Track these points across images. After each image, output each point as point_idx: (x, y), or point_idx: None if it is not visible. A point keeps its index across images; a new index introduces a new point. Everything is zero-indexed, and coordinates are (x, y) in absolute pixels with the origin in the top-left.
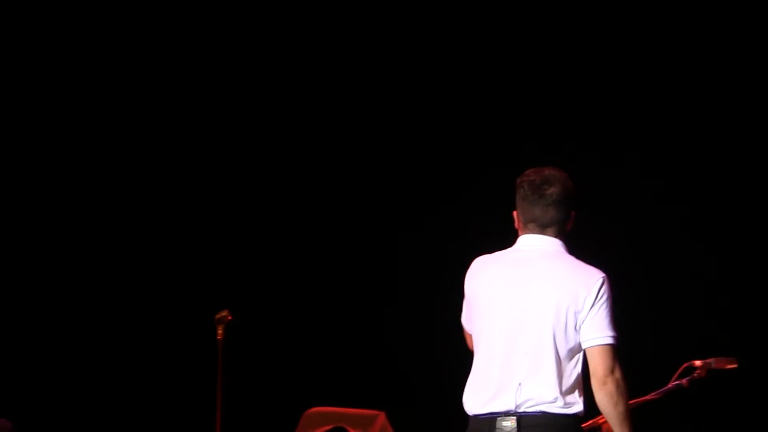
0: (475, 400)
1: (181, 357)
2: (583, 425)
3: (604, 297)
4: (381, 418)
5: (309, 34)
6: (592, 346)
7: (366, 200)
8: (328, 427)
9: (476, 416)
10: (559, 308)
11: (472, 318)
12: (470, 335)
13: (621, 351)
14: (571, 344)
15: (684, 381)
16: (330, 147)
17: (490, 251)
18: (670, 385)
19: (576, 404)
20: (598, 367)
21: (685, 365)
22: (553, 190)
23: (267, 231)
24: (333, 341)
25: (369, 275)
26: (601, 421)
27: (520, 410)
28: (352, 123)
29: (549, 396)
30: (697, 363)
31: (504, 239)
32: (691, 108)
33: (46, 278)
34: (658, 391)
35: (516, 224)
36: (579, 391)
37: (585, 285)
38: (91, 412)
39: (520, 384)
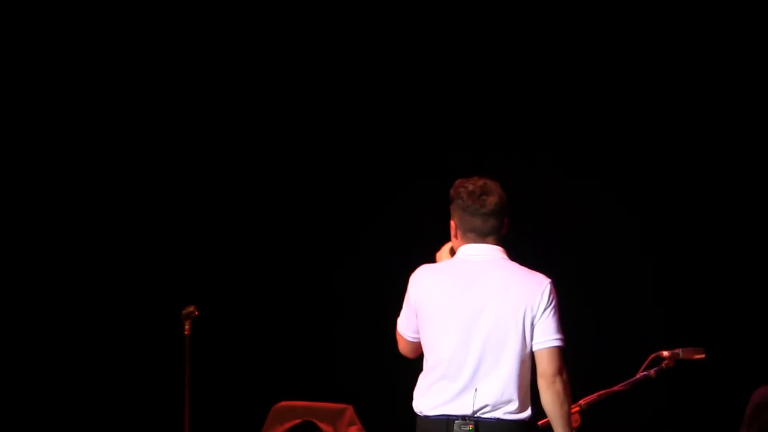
0: (430, 401)
1: (148, 353)
2: (540, 422)
3: (554, 301)
4: (349, 411)
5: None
6: (543, 348)
7: (330, 193)
8: (296, 421)
9: (428, 417)
10: (516, 314)
11: (422, 324)
12: (407, 341)
13: (566, 353)
14: (527, 349)
15: (652, 371)
16: (301, 145)
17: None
18: (637, 376)
19: (528, 408)
20: (548, 368)
21: (653, 356)
22: (492, 200)
23: (232, 226)
24: (300, 336)
25: (335, 268)
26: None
27: (476, 416)
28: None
29: (504, 401)
30: (665, 353)
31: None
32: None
33: (13, 274)
34: (626, 382)
35: (453, 234)
36: (529, 395)
37: (538, 290)
38: (58, 409)
39: (476, 390)
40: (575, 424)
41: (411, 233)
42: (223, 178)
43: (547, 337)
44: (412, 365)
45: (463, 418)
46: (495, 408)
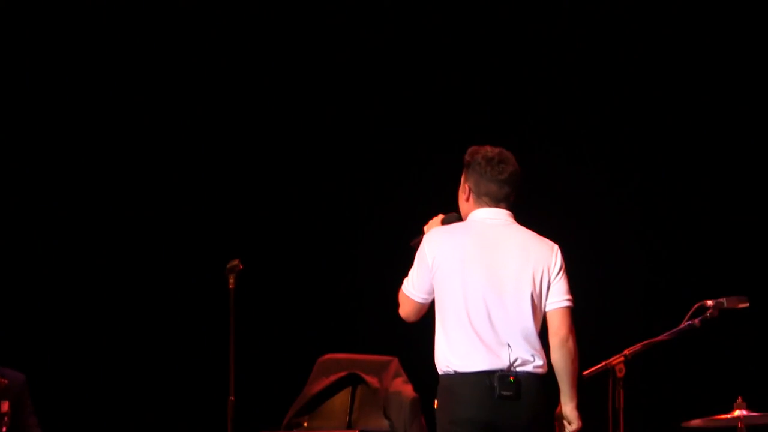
0: (463, 359)
1: (194, 307)
2: (586, 372)
3: (563, 264)
4: (394, 363)
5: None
6: (556, 308)
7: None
8: (342, 374)
9: (466, 373)
10: (535, 274)
11: (443, 283)
12: (415, 302)
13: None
14: (543, 308)
15: (696, 321)
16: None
17: None
18: (682, 326)
19: (545, 362)
20: (562, 327)
21: (697, 305)
22: (508, 168)
23: (275, 180)
24: (344, 289)
25: (379, 222)
26: (614, 362)
27: (513, 369)
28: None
29: (530, 356)
30: (709, 303)
31: None
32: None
33: (64, 233)
34: (670, 332)
35: (465, 197)
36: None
37: (551, 253)
38: (105, 364)
39: (509, 345)
40: (620, 374)
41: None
42: (269, 141)
43: (560, 297)
44: None
45: (502, 371)
46: (525, 363)
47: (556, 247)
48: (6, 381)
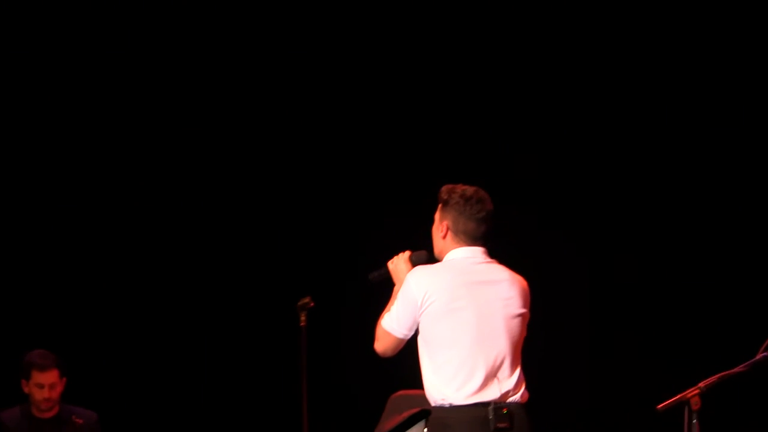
0: (459, 392)
1: (265, 345)
2: (660, 406)
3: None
4: None
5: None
6: None
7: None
8: (414, 410)
9: (462, 406)
10: (520, 309)
11: (432, 321)
12: (396, 338)
13: None
14: (522, 339)
15: None
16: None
17: None
18: (758, 357)
19: (526, 391)
20: None
21: None
22: (487, 207)
23: (347, 219)
24: None
25: None
26: (689, 395)
27: (505, 401)
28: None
29: (516, 386)
30: None
31: None
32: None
33: (131, 269)
34: (746, 363)
35: (443, 234)
36: None
37: (526, 288)
38: (175, 402)
39: (497, 378)
40: (695, 407)
41: None
42: (335, 175)
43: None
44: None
45: (495, 403)
46: (514, 393)
47: (525, 282)
48: (81, 420)
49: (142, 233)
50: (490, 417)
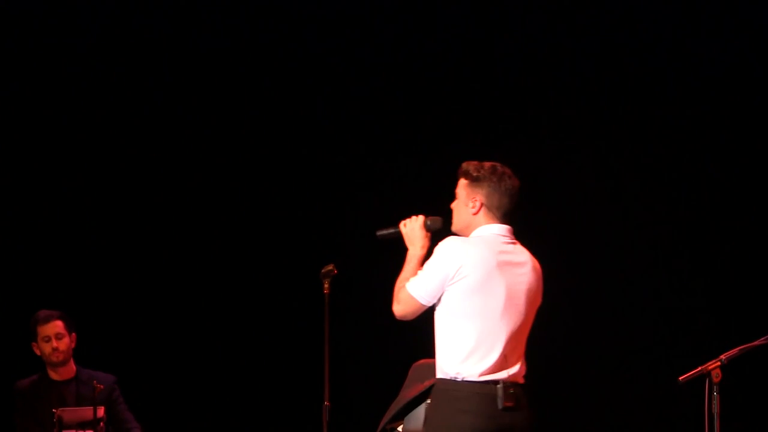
0: (475, 367)
1: (288, 312)
2: (682, 378)
3: None
4: None
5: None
6: None
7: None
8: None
9: (475, 382)
10: (538, 293)
11: (463, 293)
12: (420, 304)
13: None
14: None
15: None
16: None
17: None
18: None
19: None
20: None
21: None
22: (516, 183)
23: (369, 183)
24: None
25: None
26: (710, 367)
27: (513, 380)
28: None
29: (521, 367)
30: None
31: None
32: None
33: (164, 235)
34: (766, 336)
35: (474, 210)
36: None
37: (541, 275)
38: (200, 370)
39: (509, 359)
40: (716, 379)
41: None
42: (359, 143)
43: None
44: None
45: (504, 382)
46: (519, 373)
47: (540, 267)
48: (102, 386)
49: (165, 203)
50: (499, 395)
